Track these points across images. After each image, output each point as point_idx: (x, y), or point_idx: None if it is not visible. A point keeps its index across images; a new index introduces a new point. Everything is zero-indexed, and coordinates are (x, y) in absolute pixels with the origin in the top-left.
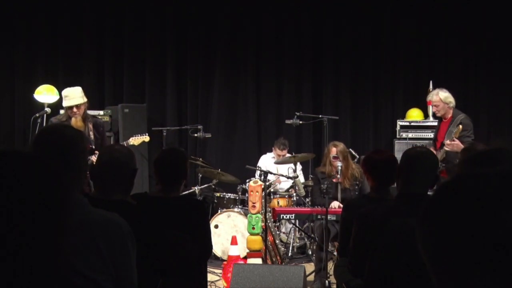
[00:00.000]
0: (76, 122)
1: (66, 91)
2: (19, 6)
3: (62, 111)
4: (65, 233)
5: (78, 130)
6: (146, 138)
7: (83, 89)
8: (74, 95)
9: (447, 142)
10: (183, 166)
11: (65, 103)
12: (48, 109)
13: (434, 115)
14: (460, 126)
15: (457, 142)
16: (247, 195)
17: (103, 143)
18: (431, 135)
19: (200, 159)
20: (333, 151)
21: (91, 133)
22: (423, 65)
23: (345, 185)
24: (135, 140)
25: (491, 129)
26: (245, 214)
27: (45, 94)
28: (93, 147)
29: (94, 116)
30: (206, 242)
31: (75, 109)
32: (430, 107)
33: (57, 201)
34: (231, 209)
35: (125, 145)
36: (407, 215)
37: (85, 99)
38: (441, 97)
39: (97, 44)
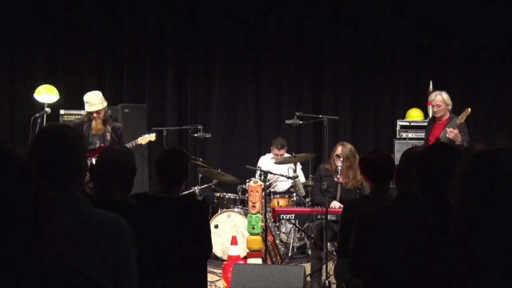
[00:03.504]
0: (96, 125)
1: (87, 97)
2: (19, 7)
3: (62, 111)
4: (39, 227)
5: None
6: (153, 137)
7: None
8: (94, 101)
9: (450, 129)
10: (184, 166)
11: (86, 109)
12: (48, 109)
13: (432, 118)
14: (469, 109)
15: (457, 131)
16: (247, 195)
17: None
18: None
19: (200, 159)
20: (338, 149)
21: (108, 134)
22: (423, 65)
23: (347, 186)
24: (143, 140)
25: (491, 129)
26: (245, 214)
27: (45, 94)
28: (103, 145)
29: (114, 120)
30: (206, 242)
31: (95, 114)
32: (430, 107)
33: (25, 194)
34: (231, 209)
35: (133, 144)
36: (407, 216)
37: (105, 104)
38: (444, 97)
39: (97, 44)
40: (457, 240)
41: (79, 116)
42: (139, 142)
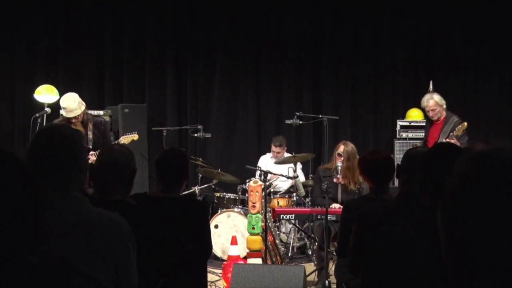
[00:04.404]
0: (75, 127)
1: (64, 103)
2: (19, 6)
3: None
4: (38, 228)
5: (76, 130)
6: (135, 136)
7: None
8: (72, 107)
9: (447, 140)
10: (184, 166)
11: (63, 114)
12: (48, 109)
13: (429, 119)
14: (465, 124)
15: (455, 140)
16: (247, 195)
17: (105, 142)
18: None
19: (200, 159)
20: (340, 148)
21: (89, 132)
22: (423, 65)
23: (348, 187)
24: (125, 139)
25: (491, 129)
26: (245, 214)
27: (45, 94)
28: (90, 146)
29: (95, 116)
30: (206, 242)
31: (73, 120)
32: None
33: (25, 194)
34: (231, 209)
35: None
36: (407, 216)
37: (83, 108)
38: (436, 100)
39: (97, 45)
40: (445, 243)
41: (59, 118)
42: (122, 142)
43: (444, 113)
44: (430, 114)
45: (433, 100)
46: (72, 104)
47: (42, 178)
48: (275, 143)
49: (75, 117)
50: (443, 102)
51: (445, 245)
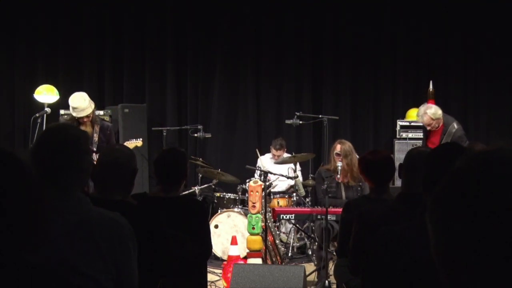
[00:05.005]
0: (85, 127)
1: (74, 102)
2: (19, 6)
3: (61, 111)
4: (36, 228)
5: (82, 130)
6: (139, 143)
7: (83, 90)
8: (82, 107)
9: None
10: (183, 166)
11: (74, 114)
12: (48, 109)
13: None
14: None
15: None
16: (247, 195)
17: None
18: None
19: (200, 159)
20: (337, 147)
21: (95, 135)
22: (423, 65)
23: (349, 183)
24: (129, 145)
25: (491, 129)
26: (245, 214)
27: (45, 94)
28: (94, 149)
29: (102, 119)
30: (206, 242)
31: (85, 119)
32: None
33: (25, 194)
34: (231, 209)
35: None
36: (406, 216)
37: (93, 106)
38: (430, 116)
39: (97, 44)
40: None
41: (65, 117)
42: None
43: (441, 121)
44: (428, 128)
45: (427, 116)
46: (83, 103)
47: (45, 177)
48: (275, 146)
49: (86, 116)
50: (438, 114)
51: (439, 245)
